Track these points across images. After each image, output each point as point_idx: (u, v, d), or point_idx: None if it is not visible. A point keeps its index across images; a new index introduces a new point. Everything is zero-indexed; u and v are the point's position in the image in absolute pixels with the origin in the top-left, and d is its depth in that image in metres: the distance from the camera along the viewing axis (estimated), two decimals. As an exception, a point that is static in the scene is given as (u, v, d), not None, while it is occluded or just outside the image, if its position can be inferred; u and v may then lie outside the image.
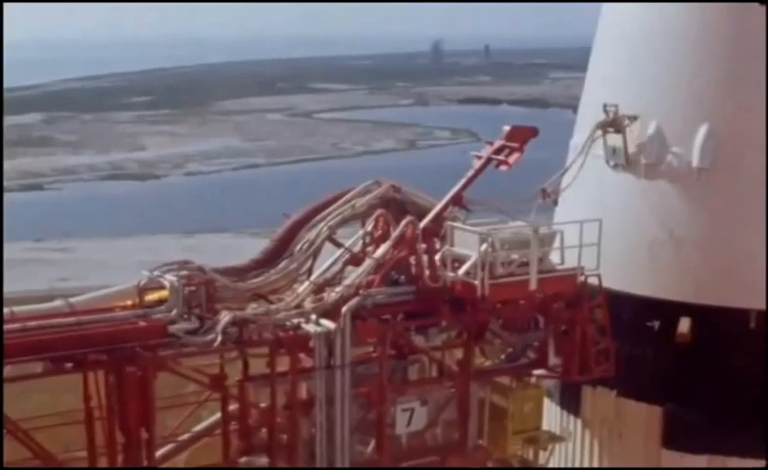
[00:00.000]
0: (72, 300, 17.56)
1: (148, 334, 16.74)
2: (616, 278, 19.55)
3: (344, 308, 17.78)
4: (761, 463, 19.54)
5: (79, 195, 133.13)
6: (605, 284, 19.58)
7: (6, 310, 16.62)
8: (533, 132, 20.62)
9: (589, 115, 21.83)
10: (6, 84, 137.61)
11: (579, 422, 21.47)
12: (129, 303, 17.75)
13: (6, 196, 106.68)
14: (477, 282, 18.34)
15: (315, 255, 19.69)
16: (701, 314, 19.56)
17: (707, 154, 19.53)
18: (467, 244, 18.78)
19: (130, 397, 16.31)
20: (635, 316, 20.15)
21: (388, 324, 18.39)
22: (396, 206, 20.21)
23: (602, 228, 19.52)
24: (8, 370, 15.88)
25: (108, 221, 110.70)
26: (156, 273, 17.81)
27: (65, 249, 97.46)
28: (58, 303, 17.44)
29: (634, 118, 20.44)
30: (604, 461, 21.17)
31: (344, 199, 20.52)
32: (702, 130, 19.58)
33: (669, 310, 19.66)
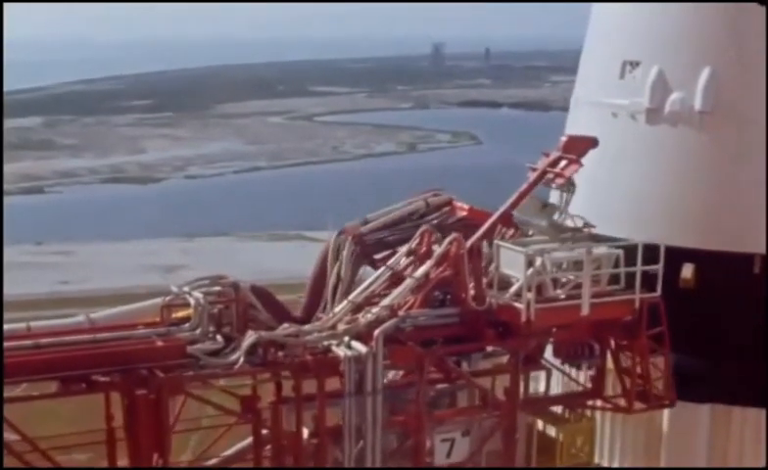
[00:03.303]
0: (94, 315, 16.78)
1: (165, 354, 15.72)
2: (619, 225, 18.98)
3: (376, 331, 16.51)
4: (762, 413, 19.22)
5: (80, 198, 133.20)
6: (609, 231, 18.83)
7: (22, 325, 16.07)
8: (592, 143, 18.83)
9: (590, 68, 21.74)
10: (6, 87, 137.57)
11: (581, 374, 20.94)
12: (158, 319, 16.89)
13: (6, 199, 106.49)
14: (522, 306, 17.04)
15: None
16: (705, 260, 19.14)
17: (709, 97, 19.33)
18: (515, 264, 17.46)
19: (143, 420, 15.39)
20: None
21: (426, 349, 17.06)
22: (372, 249, 18.96)
23: (606, 175, 18.82)
24: (22, 389, 15.22)
25: (108, 224, 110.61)
26: (185, 289, 16.81)
27: (65, 252, 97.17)
28: (79, 318, 16.68)
29: (636, 64, 20.25)
30: (607, 413, 20.36)
31: (329, 262, 19.05)
32: (705, 73, 19.46)
33: (672, 256, 18.97)
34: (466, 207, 19.22)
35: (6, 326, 15.98)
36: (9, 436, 15.44)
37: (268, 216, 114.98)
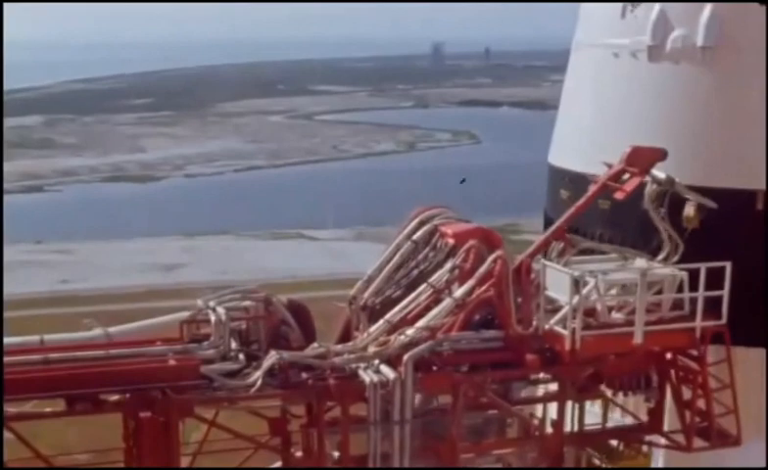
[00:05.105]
0: (112, 329, 15.91)
1: (177, 374, 14.77)
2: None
3: (406, 356, 15.35)
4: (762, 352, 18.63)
5: (79, 197, 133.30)
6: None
7: (36, 338, 15.41)
8: (660, 155, 17.47)
9: (591, 10, 21.58)
10: (6, 86, 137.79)
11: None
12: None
13: (6, 198, 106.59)
14: (566, 332, 15.87)
15: None
16: (707, 197, 18.39)
17: (712, 32, 19.24)
18: (563, 286, 16.22)
19: (148, 445, 14.60)
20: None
21: (462, 376, 15.95)
22: (382, 310, 17.32)
23: (606, 113, 18.26)
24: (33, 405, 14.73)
25: (108, 223, 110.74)
26: (211, 303, 15.91)
27: (65, 251, 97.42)
28: (96, 332, 15.82)
29: (637, 3, 20.23)
30: None
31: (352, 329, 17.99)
32: (707, 9, 19.56)
33: (674, 194, 18.32)
34: (450, 231, 17.55)
35: (19, 339, 15.52)
36: (8, 435, 14.96)
37: (269, 215, 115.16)
